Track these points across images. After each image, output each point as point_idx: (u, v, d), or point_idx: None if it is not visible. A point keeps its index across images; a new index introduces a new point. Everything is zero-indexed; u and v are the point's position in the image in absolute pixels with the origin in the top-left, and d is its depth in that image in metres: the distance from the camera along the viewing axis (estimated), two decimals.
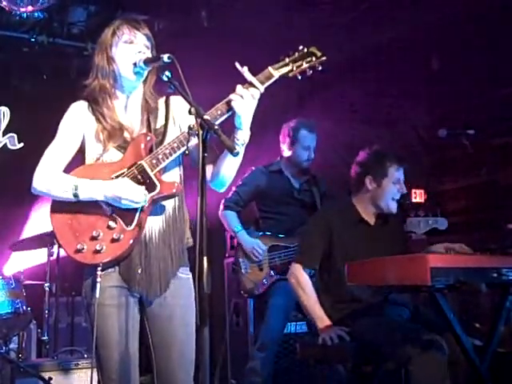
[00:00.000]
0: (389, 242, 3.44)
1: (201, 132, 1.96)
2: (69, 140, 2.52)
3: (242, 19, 5.23)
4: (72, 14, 5.79)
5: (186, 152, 2.34)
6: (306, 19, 5.26)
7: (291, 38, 5.03)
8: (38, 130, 5.79)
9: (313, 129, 4.45)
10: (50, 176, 2.46)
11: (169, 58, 2.24)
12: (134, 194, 2.35)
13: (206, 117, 2.03)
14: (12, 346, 4.35)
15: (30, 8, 4.02)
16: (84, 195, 2.39)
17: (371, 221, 3.53)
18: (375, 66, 5.67)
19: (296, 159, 4.45)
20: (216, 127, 1.99)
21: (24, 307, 4.21)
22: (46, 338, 4.63)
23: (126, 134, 2.51)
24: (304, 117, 4.61)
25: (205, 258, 1.86)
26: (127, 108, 2.56)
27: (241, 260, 4.42)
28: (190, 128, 2.10)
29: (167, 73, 2.17)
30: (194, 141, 2.26)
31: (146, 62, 2.42)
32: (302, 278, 3.43)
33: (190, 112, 2.03)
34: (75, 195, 2.39)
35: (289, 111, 5.56)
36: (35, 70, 6.04)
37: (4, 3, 3.96)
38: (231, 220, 4.47)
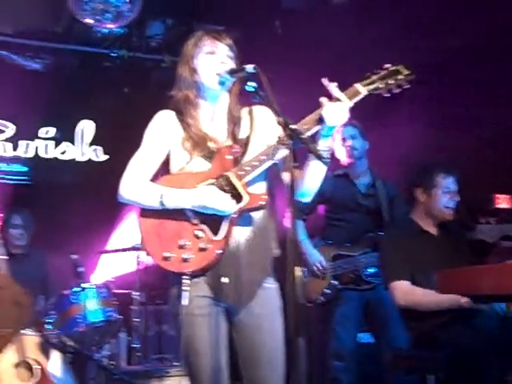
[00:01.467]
0: (454, 250, 3.42)
1: (290, 142, 1.95)
2: (155, 149, 2.55)
3: (315, 27, 5.22)
4: (150, 28, 5.93)
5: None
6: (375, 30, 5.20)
7: (363, 46, 5.00)
8: (121, 142, 5.96)
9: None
10: (137, 184, 2.49)
11: (254, 68, 2.24)
12: (221, 202, 2.36)
13: (293, 127, 2.02)
14: (104, 353, 4.45)
15: (112, 24, 4.12)
16: (170, 203, 2.41)
17: (434, 231, 3.54)
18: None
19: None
20: (304, 136, 1.97)
21: (115, 315, 4.30)
22: (137, 345, 4.71)
23: (211, 144, 2.52)
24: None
25: (297, 269, 1.84)
26: (212, 118, 2.58)
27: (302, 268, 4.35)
28: (279, 139, 2.09)
29: (253, 83, 2.18)
30: (281, 152, 2.26)
31: (230, 72, 2.43)
32: (407, 291, 3.38)
33: (278, 123, 2.03)
34: (161, 203, 2.41)
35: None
36: (116, 84, 6.20)
37: (88, 20, 4.08)
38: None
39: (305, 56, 5.25)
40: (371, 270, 4.12)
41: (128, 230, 5.48)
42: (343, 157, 4.35)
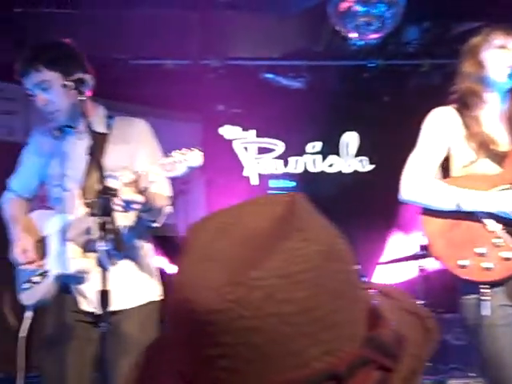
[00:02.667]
0: None
1: None
2: (435, 146, 2.50)
3: None
4: (406, 34, 5.88)
5: None
6: None
7: None
8: (385, 151, 6.01)
9: None
10: (422, 184, 2.46)
11: None
12: None
13: None
14: None
15: (376, 34, 4.17)
16: (468, 206, 2.33)
17: None
18: None
19: None
20: None
21: None
22: None
23: (496, 146, 2.41)
24: None
25: None
26: (496, 117, 2.47)
27: None
28: None
29: None
30: None
31: None
32: None
33: None
34: (458, 205, 2.34)
35: None
36: (376, 94, 6.25)
37: (352, 34, 4.17)
38: None
39: None
40: None
41: (404, 238, 5.47)
42: None
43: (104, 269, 2.06)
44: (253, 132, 6.30)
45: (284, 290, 0.67)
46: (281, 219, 0.72)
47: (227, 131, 6.27)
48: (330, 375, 0.67)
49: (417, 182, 2.46)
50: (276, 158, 6.31)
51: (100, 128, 2.62)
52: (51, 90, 2.54)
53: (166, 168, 2.30)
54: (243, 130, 6.30)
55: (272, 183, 6.37)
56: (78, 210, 2.56)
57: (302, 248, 0.69)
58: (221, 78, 5.75)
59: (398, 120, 5.96)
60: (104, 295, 2.04)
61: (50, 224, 2.68)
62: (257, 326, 0.66)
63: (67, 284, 2.63)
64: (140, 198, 2.33)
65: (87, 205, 2.52)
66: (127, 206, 2.33)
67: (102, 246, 2.07)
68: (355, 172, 6.31)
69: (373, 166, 6.30)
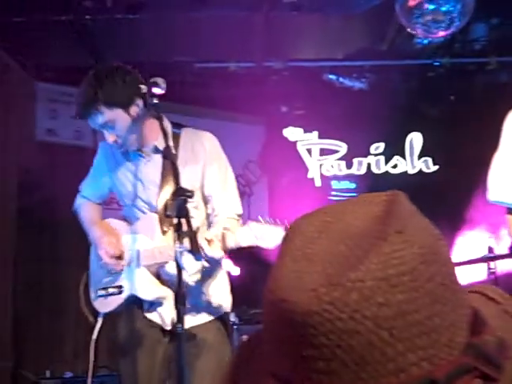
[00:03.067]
0: None
1: None
2: None
3: None
4: (474, 31, 5.74)
5: None
6: None
7: None
8: (450, 151, 5.90)
9: None
10: (509, 184, 2.41)
11: None
12: None
13: None
14: None
15: (444, 32, 4.09)
16: None
17: None
18: None
19: None
20: None
21: None
22: None
23: None
24: None
25: None
26: None
27: None
28: None
29: None
30: None
31: None
32: None
33: None
34: None
35: None
36: (441, 93, 6.14)
37: (419, 32, 4.10)
38: None
39: None
40: None
41: (471, 240, 5.35)
42: None
43: (180, 269, 2.09)
44: (315, 133, 6.28)
45: (381, 293, 0.66)
46: (379, 219, 0.71)
47: (291, 133, 6.27)
48: (428, 382, 0.65)
49: (504, 182, 2.41)
50: (339, 159, 6.28)
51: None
52: (117, 127, 2.54)
53: (257, 239, 2.29)
54: (306, 131, 6.29)
55: (335, 185, 6.33)
56: (157, 237, 2.62)
57: (401, 250, 0.67)
58: (284, 79, 5.76)
59: (463, 120, 5.84)
60: (179, 297, 2.07)
61: (126, 240, 2.73)
62: (353, 329, 0.65)
63: (141, 301, 2.71)
64: (220, 255, 2.37)
65: (164, 232, 2.57)
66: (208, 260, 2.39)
67: (177, 247, 2.09)
68: (420, 172, 6.21)
69: (437, 167, 6.18)
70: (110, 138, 2.57)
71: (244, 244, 2.32)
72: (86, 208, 2.92)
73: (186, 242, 2.13)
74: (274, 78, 5.76)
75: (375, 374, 0.66)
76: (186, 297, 2.13)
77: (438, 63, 5.90)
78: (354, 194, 6.30)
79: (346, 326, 0.66)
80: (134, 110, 2.55)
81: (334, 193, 6.35)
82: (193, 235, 2.12)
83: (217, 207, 2.67)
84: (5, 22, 4.57)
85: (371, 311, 0.66)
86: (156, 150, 2.68)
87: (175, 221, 2.10)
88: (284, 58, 5.56)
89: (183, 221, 2.08)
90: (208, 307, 2.69)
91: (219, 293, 2.74)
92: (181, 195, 2.09)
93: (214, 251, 2.31)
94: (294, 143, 6.27)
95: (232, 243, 2.32)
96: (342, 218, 0.74)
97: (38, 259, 5.14)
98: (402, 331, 0.66)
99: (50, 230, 5.13)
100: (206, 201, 2.70)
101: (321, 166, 6.27)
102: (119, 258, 2.68)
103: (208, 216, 2.71)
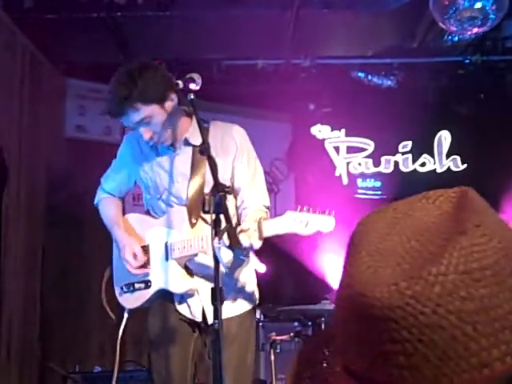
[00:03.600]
0: None
1: None
2: None
3: None
4: (506, 28, 5.67)
5: None
6: None
7: None
8: (479, 150, 5.83)
9: None
10: None
11: None
12: None
13: None
14: None
15: (478, 29, 4.04)
16: None
17: None
18: None
19: None
20: None
21: None
22: None
23: None
24: None
25: None
26: None
27: None
28: None
29: None
30: None
31: None
32: None
33: None
34: None
35: None
36: (471, 91, 6.08)
37: (452, 28, 4.06)
38: None
39: None
40: None
41: None
42: None
43: (219, 265, 2.09)
44: (343, 131, 6.25)
45: (464, 287, 0.65)
46: (451, 215, 0.71)
47: (318, 130, 6.24)
48: None
49: None
50: (366, 157, 6.24)
51: (197, 141, 2.51)
52: (154, 122, 2.54)
53: (295, 223, 2.30)
54: (334, 129, 6.25)
55: (360, 183, 6.30)
56: (185, 229, 2.62)
57: (482, 244, 0.67)
58: (312, 77, 5.74)
59: (493, 118, 5.77)
60: (215, 292, 2.06)
61: (153, 234, 2.74)
62: (436, 323, 0.64)
63: (171, 294, 2.71)
64: (258, 245, 2.37)
65: (193, 225, 2.58)
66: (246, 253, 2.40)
67: (216, 243, 2.09)
68: (448, 171, 6.14)
69: (465, 165, 6.10)
70: (146, 134, 2.57)
71: (281, 231, 2.33)
72: (108, 204, 2.93)
73: (225, 237, 2.13)
74: (302, 76, 5.74)
75: (458, 369, 0.65)
76: (223, 293, 2.13)
77: (468, 61, 5.85)
78: (380, 193, 6.27)
79: (429, 320, 0.65)
80: (168, 104, 2.55)
81: (360, 191, 6.32)
82: (232, 231, 2.12)
83: (246, 199, 2.69)
84: (36, 19, 4.60)
85: (454, 305, 0.65)
86: (186, 143, 2.68)
87: (213, 216, 2.09)
88: (313, 56, 5.53)
89: (221, 217, 2.08)
90: (237, 300, 2.71)
91: (248, 286, 2.74)
92: (220, 191, 2.09)
93: (253, 241, 2.32)
94: (322, 141, 6.23)
95: (268, 232, 2.33)
96: (412, 214, 0.74)
97: (66, 256, 5.18)
98: (485, 326, 0.65)
99: (78, 226, 5.16)
100: (235, 193, 2.70)
101: (348, 164, 6.24)
102: (143, 266, 2.69)
103: (237, 208, 2.72)
